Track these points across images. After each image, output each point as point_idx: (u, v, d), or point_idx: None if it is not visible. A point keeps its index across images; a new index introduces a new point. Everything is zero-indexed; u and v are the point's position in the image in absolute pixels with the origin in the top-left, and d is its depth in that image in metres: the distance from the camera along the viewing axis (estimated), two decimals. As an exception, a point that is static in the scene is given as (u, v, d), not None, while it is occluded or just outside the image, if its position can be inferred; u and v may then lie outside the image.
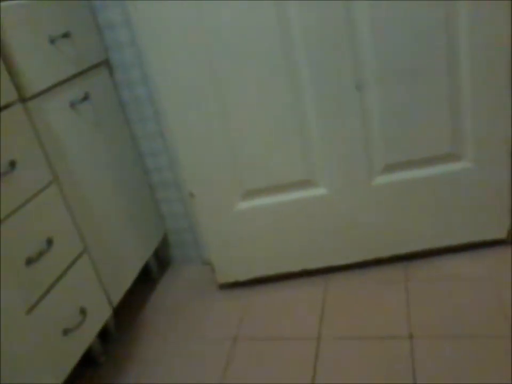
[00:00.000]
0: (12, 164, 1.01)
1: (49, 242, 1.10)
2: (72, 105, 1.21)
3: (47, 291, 1.08)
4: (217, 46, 1.22)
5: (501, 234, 1.38)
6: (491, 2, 1.13)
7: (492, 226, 1.37)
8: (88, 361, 1.33)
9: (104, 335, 1.39)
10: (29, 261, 1.03)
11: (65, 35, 1.19)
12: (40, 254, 1.06)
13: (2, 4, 1.03)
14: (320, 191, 1.37)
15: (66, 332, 1.11)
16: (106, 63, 1.39)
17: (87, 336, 1.19)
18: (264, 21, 1.19)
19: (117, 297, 1.33)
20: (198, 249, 1.65)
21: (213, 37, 1.21)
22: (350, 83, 1.23)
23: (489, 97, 1.23)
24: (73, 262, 1.17)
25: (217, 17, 1.19)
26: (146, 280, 1.64)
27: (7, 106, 1.03)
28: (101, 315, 1.25)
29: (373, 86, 1.24)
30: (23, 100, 1.08)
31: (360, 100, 1.25)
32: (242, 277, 1.49)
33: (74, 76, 1.25)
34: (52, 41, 1.15)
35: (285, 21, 1.19)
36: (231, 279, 1.50)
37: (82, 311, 1.18)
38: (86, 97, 1.26)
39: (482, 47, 1.18)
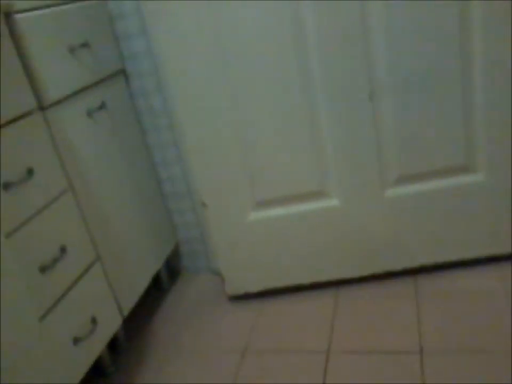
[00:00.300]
0: (30, 172, 1.02)
1: (63, 250, 1.10)
2: (89, 113, 1.22)
3: (60, 299, 1.08)
4: (232, 57, 1.23)
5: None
6: (505, 18, 1.14)
7: (504, 239, 1.37)
8: (97, 371, 1.32)
9: (113, 344, 1.39)
10: (43, 268, 1.03)
11: (84, 44, 1.21)
12: (54, 262, 1.06)
13: (24, 14, 1.05)
14: (332, 202, 1.37)
15: (76, 340, 1.11)
16: (122, 72, 1.41)
17: (97, 345, 1.18)
18: (279, 28, 1.20)
19: (127, 306, 1.32)
20: (208, 260, 1.65)
21: (229, 49, 1.22)
22: (363, 92, 1.24)
23: (502, 110, 1.23)
24: (85, 270, 1.17)
25: (234, 29, 1.20)
26: (156, 289, 1.64)
27: (26, 115, 1.04)
28: (111, 325, 1.25)
29: (386, 96, 1.25)
30: (41, 108, 1.09)
31: (373, 110, 1.26)
32: (252, 289, 1.49)
33: (92, 85, 1.26)
34: (71, 50, 1.16)
35: (300, 28, 1.20)
36: (241, 291, 1.49)
37: (93, 320, 1.17)
38: (102, 106, 1.27)
39: (496, 62, 1.19)
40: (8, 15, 1.02)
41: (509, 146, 1.27)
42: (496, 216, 1.34)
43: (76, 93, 1.19)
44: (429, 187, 1.33)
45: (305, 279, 1.46)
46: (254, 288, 1.48)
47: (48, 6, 1.12)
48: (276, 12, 1.18)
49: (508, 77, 1.20)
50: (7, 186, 0.96)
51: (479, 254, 1.39)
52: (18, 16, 1.03)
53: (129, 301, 1.34)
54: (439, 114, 1.25)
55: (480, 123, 1.26)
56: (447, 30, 1.17)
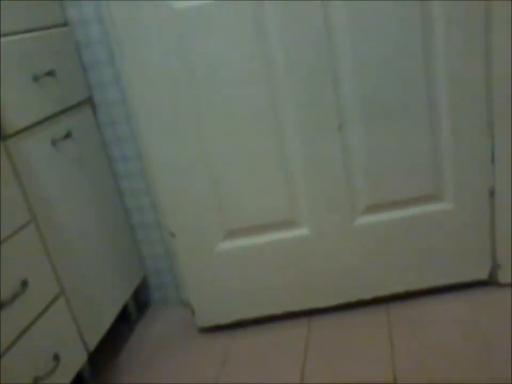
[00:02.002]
0: (-11, 203, 0.98)
1: (24, 284, 1.05)
2: (54, 143, 1.20)
3: (19, 336, 1.03)
4: (201, 88, 1.23)
5: (483, 275, 1.38)
6: (469, 49, 1.18)
7: (474, 267, 1.38)
8: (60, 410, 1.26)
9: (79, 381, 1.33)
10: (2, 304, 0.99)
11: (49, 73, 1.19)
12: (14, 297, 1.02)
13: (-14, 41, 1.03)
14: (303, 231, 1.36)
15: (37, 380, 1.05)
16: (89, 101, 1.39)
17: (60, 384, 1.13)
18: (248, 58, 1.20)
19: (93, 341, 1.27)
20: (178, 291, 1.61)
21: (198, 80, 1.22)
22: (332, 123, 1.25)
23: (469, 139, 1.26)
24: (48, 305, 1.13)
25: (201, 52, 1.20)
26: (124, 322, 1.59)
27: (-14, 144, 1.01)
28: (75, 361, 1.20)
29: (354, 126, 1.26)
30: (3, 137, 1.06)
31: (342, 139, 1.27)
32: (223, 320, 1.46)
33: (57, 114, 1.24)
34: (36, 78, 1.14)
35: (268, 60, 1.21)
36: (212, 323, 1.46)
37: (56, 357, 1.12)
38: (68, 135, 1.25)
39: (461, 91, 1.22)
40: (-31, 43, 1.00)
41: (476, 174, 1.29)
42: (466, 243, 1.35)
43: (40, 122, 1.17)
44: (398, 215, 1.34)
45: (277, 309, 1.44)
46: (225, 319, 1.45)
47: (12, 33, 1.10)
48: (246, 48, 1.19)
49: (473, 104, 1.23)
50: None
51: (449, 282, 1.40)
52: (-21, 43, 1.01)
53: (96, 335, 1.29)
54: (406, 144, 1.27)
55: (447, 151, 1.28)
56: (413, 59, 1.20)
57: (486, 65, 1.19)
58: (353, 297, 1.42)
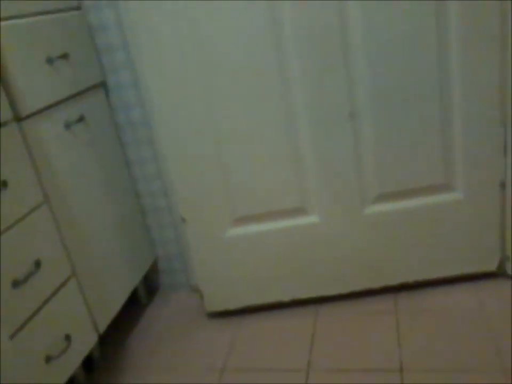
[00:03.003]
0: (4, 184, 0.99)
1: (37, 264, 1.07)
2: (67, 126, 1.20)
3: (33, 315, 1.05)
4: (211, 70, 1.23)
5: (492, 266, 1.38)
6: (482, 40, 1.17)
7: (483, 258, 1.38)
8: (70, 390, 1.28)
9: (88, 362, 1.35)
10: (16, 283, 1.00)
11: (63, 56, 1.19)
12: (28, 276, 1.03)
13: (1, 23, 1.03)
14: (312, 219, 1.37)
15: (49, 359, 1.07)
16: (103, 85, 1.39)
17: (70, 364, 1.15)
18: (260, 42, 1.20)
19: (103, 323, 1.29)
20: (187, 276, 1.62)
21: (208, 60, 1.22)
22: (343, 110, 1.25)
23: (481, 130, 1.25)
24: (60, 286, 1.14)
25: (211, 37, 1.20)
26: (134, 306, 1.61)
27: (1, 125, 1.02)
28: (86, 342, 1.22)
29: (366, 115, 1.26)
30: (18, 119, 1.06)
31: (353, 128, 1.27)
32: (231, 306, 1.47)
33: (70, 97, 1.24)
34: (50, 61, 1.14)
35: (280, 44, 1.20)
36: (220, 308, 1.47)
37: (67, 338, 1.14)
38: (81, 119, 1.25)
39: (473, 83, 1.21)
40: (-16, 25, 1.01)
41: (487, 166, 1.28)
42: (475, 234, 1.35)
43: (53, 105, 1.17)
44: (408, 205, 1.33)
45: (285, 297, 1.45)
46: (233, 305, 1.46)
47: (24, 16, 1.11)
48: (259, 39, 1.19)
49: (485, 97, 1.22)
50: (-21, 198, 0.94)
51: (458, 272, 1.40)
52: (-6, 25, 1.01)
53: (106, 317, 1.31)
54: (417, 134, 1.26)
55: (458, 142, 1.27)
56: (426, 51, 1.19)
57: (500, 56, 1.18)
58: (361, 286, 1.42)
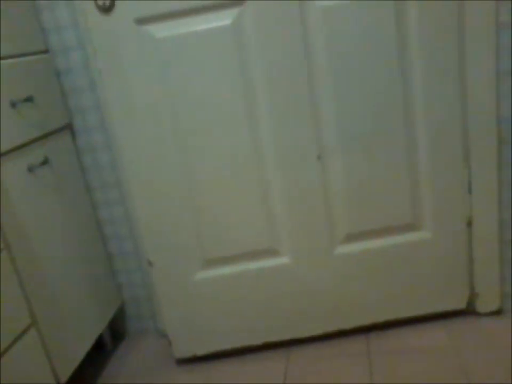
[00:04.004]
0: (-40, 230, 0.96)
1: (-5, 314, 1.02)
2: (30, 169, 1.18)
3: (-12, 368, 1.00)
4: (182, 110, 1.23)
5: (461, 304, 1.38)
6: (443, 79, 1.21)
7: (452, 296, 1.38)
8: None
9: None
10: (-30, 336, 0.96)
11: (28, 99, 1.18)
12: (-16, 327, 0.99)
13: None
14: (283, 260, 1.35)
15: (5, 415, 1.02)
16: (69, 127, 1.38)
17: (29, 418, 1.09)
18: (230, 94, 1.21)
19: (66, 373, 1.23)
20: (155, 321, 1.58)
21: (178, 98, 1.23)
22: (312, 152, 1.26)
23: (446, 169, 1.28)
24: (20, 336, 1.09)
25: (182, 83, 1.21)
26: (100, 352, 1.55)
27: (-40, 170, 0.99)
28: (46, 394, 1.16)
29: (334, 155, 1.27)
30: (-22, 163, 1.04)
31: (322, 169, 1.28)
32: (201, 351, 1.43)
33: (35, 140, 1.22)
34: (13, 105, 1.13)
35: (251, 97, 1.22)
36: (189, 354, 1.43)
37: (26, 391, 1.08)
38: (45, 162, 1.23)
39: (437, 124, 1.24)
40: None
41: (453, 204, 1.30)
42: (444, 272, 1.36)
43: (17, 148, 1.15)
44: (378, 244, 1.34)
45: (256, 340, 1.42)
46: (203, 350, 1.42)
47: (-10, 60, 1.10)
48: (227, 86, 1.21)
49: (447, 136, 1.25)
50: None
51: (428, 311, 1.39)
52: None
53: (68, 366, 1.25)
54: (385, 173, 1.28)
55: (425, 181, 1.29)
56: (391, 95, 1.22)
57: (461, 99, 1.22)
58: (333, 327, 1.40)
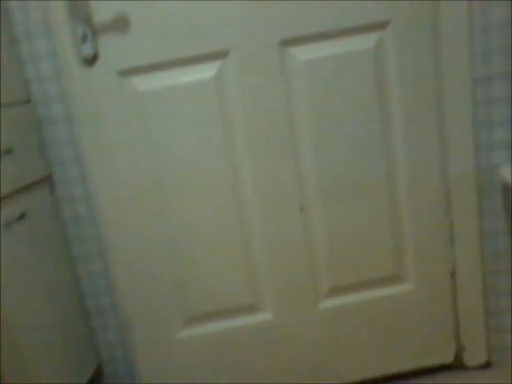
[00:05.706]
0: None
1: (-39, 379, 0.95)
2: (7, 225, 1.14)
3: None
4: (162, 165, 1.23)
5: (448, 358, 1.36)
6: (420, 128, 1.23)
7: (439, 349, 1.36)
8: None
9: None
10: None
11: (7, 151, 1.15)
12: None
13: None
14: (266, 315, 1.32)
15: None
16: (48, 179, 1.35)
17: None
18: (210, 139, 1.22)
19: None
20: (133, 382, 1.50)
21: (159, 155, 1.22)
22: (294, 204, 1.26)
23: (428, 221, 1.29)
24: (-13, 403, 1.02)
25: (165, 136, 1.21)
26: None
27: None
28: None
29: (316, 207, 1.27)
30: (-49, 219, 1.00)
31: (304, 220, 1.27)
32: (182, 413, 1.36)
33: (12, 193, 1.19)
34: (-9, 158, 1.10)
35: (231, 146, 1.23)
36: (170, 416, 1.36)
37: None
38: (22, 216, 1.19)
39: (418, 176, 1.26)
40: None
41: (436, 256, 1.30)
42: (429, 325, 1.34)
43: (-7, 203, 1.12)
44: (361, 297, 1.32)
45: (240, 400, 1.36)
46: (184, 412, 1.36)
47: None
48: (210, 140, 1.22)
49: (428, 188, 1.27)
50: None
51: (415, 366, 1.36)
52: None
53: None
54: (367, 226, 1.28)
55: (407, 233, 1.30)
56: (370, 143, 1.24)
57: (441, 151, 1.25)
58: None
